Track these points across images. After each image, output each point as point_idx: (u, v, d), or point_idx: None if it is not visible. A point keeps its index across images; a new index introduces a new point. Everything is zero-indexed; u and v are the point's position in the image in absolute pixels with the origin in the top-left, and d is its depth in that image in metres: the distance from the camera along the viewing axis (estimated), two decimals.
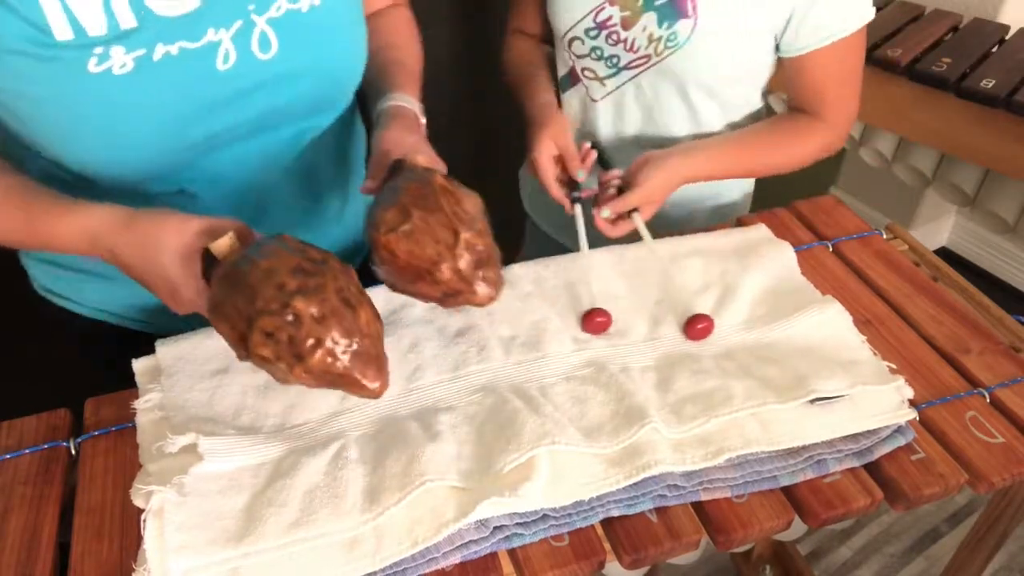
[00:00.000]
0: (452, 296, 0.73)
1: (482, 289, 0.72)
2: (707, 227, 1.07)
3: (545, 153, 0.97)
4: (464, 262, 0.71)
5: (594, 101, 1.11)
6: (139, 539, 0.66)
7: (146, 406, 0.78)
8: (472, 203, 0.74)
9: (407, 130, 0.84)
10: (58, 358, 1.01)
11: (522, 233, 1.39)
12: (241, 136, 0.82)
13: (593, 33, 1.04)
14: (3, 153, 0.80)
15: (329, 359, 0.64)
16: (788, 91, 1.09)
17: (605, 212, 0.96)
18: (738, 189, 1.22)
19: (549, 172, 0.98)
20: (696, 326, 0.86)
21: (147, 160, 0.76)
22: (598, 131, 1.13)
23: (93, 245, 0.72)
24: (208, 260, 0.69)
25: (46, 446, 0.80)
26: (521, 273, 0.94)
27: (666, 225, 1.03)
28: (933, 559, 1.72)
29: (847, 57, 1.02)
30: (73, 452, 0.80)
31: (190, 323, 0.96)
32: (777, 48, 1.03)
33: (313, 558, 0.67)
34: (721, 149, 1.05)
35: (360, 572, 0.66)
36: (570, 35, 1.06)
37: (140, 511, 0.68)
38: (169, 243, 0.68)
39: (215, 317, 0.67)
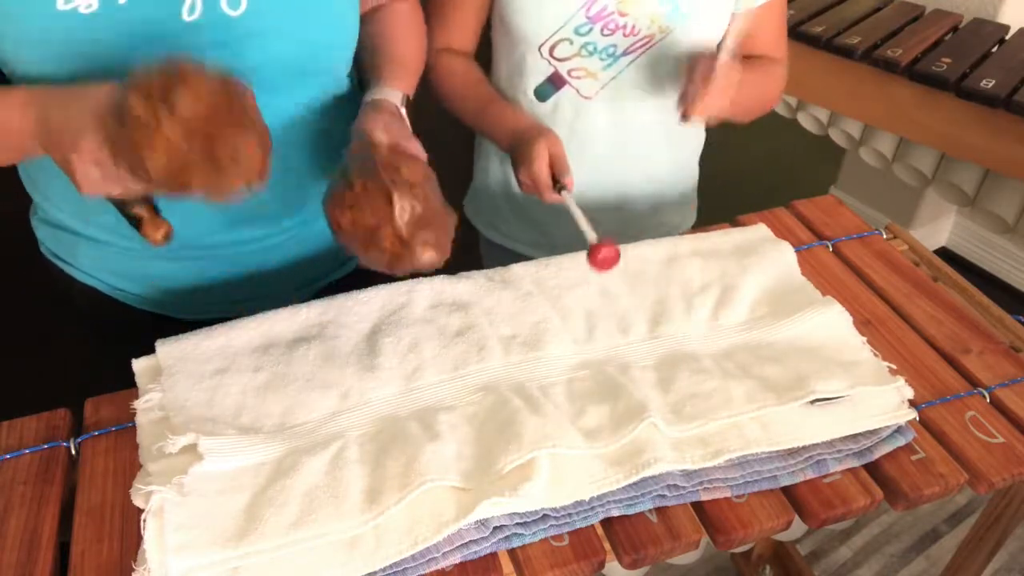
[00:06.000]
0: (398, 261, 0.75)
1: (421, 252, 0.74)
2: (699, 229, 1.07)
3: (544, 160, 0.97)
4: (402, 226, 0.73)
5: (586, 98, 1.10)
6: (139, 539, 0.66)
7: (146, 406, 0.78)
8: (412, 170, 0.76)
9: (380, 114, 0.85)
10: (62, 321, 1.03)
11: None
12: None
13: (584, 29, 1.04)
14: None
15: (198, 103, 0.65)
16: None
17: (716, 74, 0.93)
18: (681, 209, 1.27)
19: (549, 180, 0.99)
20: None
21: None
22: (594, 128, 1.13)
23: (26, 105, 0.73)
24: None
25: (46, 446, 0.80)
26: (521, 273, 0.94)
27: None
28: (933, 559, 1.72)
29: (784, 2, 1.13)
30: (73, 452, 0.80)
31: (180, 301, 0.98)
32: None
33: (313, 558, 0.67)
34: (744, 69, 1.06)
35: (360, 572, 0.66)
36: (553, 39, 1.05)
37: (140, 511, 0.68)
38: (101, 92, 0.70)
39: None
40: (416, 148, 0.83)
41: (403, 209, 0.72)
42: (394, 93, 0.89)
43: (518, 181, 1.01)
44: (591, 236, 0.84)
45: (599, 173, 1.15)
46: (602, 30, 1.04)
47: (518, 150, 1.00)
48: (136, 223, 0.79)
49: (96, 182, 0.71)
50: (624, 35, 1.04)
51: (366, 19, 0.93)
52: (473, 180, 1.29)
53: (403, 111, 0.89)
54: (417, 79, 0.98)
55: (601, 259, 0.83)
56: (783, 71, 1.17)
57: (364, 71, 0.93)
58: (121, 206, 0.78)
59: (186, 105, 0.64)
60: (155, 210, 0.79)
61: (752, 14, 1.06)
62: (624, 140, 1.13)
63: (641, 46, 1.05)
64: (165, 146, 0.65)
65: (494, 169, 1.22)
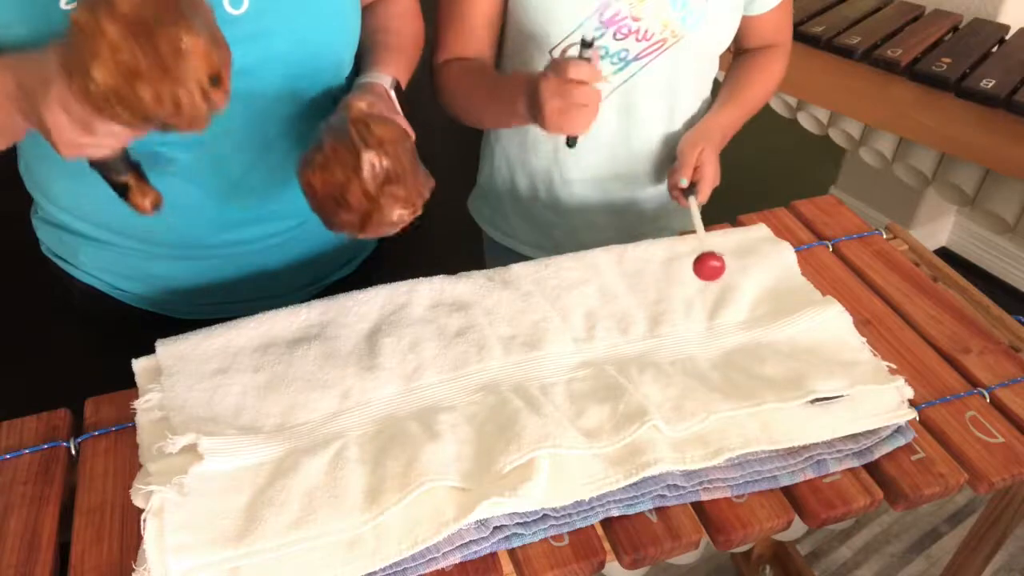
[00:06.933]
0: (368, 219, 0.74)
1: (390, 208, 0.73)
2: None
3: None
4: (369, 181, 0.72)
5: None
6: (139, 539, 0.66)
7: (146, 406, 0.78)
8: (384, 128, 0.75)
9: (366, 92, 0.85)
10: (62, 321, 1.04)
11: None
12: None
13: (597, 33, 1.04)
14: None
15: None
16: (746, 38, 1.17)
17: (683, 181, 1.04)
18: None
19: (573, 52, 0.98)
20: (709, 263, 0.88)
21: None
22: (603, 131, 1.11)
23: (2, 70, 0.72)
24: None
25: (46, 446, 0.80)
26: (521, 273, 0.94)
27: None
28: (933, 559, 1.72)
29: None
30: (73, 452, 0.80)
31: (180, 301, 0.98)
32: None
33: (313, 558, 0.67)
34: (732, 98, 1.15)
35: (360, 572, 0.66)
36: (566, 43, 1.05)
37: (140, 511, 0.68)
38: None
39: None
40: (400, 122, 0.82)
41: (370, 164, 0.72)
42: (384, 77, 0.89)
43: (542, 118, 0.93)
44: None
45: (606, 175, 1.15)
46: (615, 34, 1.04)
47: (534, 81, 0.92)
48: (123, 191, 0.77)
49: (69, 133, 0.69)
50: (637, 40, 1.04)
51: (364, 12, 0.93)
52: (478, 180, 1.29)
53: (392, 94, 0.89)
54: (411, 69, 0.98)
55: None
56: (784, 59, 1.21)
57: (360, 62, 0.93)
58: (107, 174, 0.76)
59: (124, 2, 0.62)
60: (142, 177, 0.77)
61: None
62: (632, 143, 1.13)
63: (653, 50, 1.05)
64: (108, 48, 0.62)
65: (500, 169, 1.22)
